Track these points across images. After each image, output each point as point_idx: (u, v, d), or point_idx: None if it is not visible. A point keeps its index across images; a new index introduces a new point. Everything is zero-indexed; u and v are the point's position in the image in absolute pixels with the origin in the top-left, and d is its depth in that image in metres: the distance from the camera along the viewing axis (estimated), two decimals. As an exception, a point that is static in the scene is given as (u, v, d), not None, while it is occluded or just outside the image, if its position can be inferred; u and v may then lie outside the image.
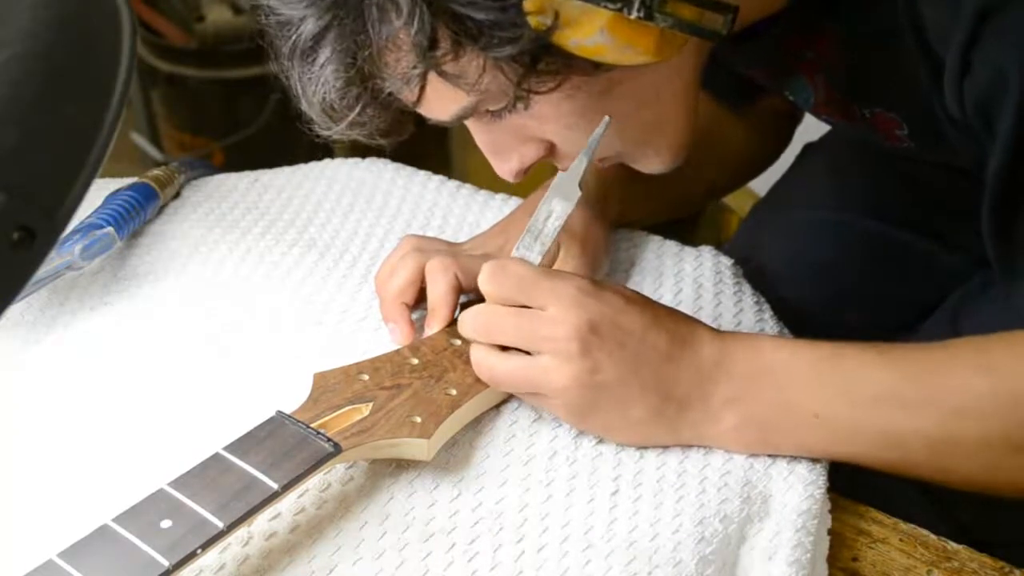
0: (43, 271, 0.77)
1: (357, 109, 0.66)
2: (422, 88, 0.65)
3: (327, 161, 0.99)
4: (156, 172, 0.91)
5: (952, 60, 0.65)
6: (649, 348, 0.66)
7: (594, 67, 0.64)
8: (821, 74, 0.80)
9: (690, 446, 0.69)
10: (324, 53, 0.64)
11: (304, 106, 0.68)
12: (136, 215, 0.86)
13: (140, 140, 2.01)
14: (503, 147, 0.72)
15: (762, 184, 1.15)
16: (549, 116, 0.69)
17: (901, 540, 0.68)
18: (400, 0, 0.60)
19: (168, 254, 0.86)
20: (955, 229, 1.01)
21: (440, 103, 0.67)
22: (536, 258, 0.71)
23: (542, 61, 0.63)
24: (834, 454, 0.68)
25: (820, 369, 0.67)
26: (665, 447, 0.69)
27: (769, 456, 0.68)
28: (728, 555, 0.64)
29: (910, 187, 1.03)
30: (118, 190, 0.87)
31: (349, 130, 0.68)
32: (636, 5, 0.61)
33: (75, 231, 0.81)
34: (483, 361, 0.68)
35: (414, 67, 0.63)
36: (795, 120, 1.05)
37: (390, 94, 0.66)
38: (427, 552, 0.62)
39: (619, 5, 0.61)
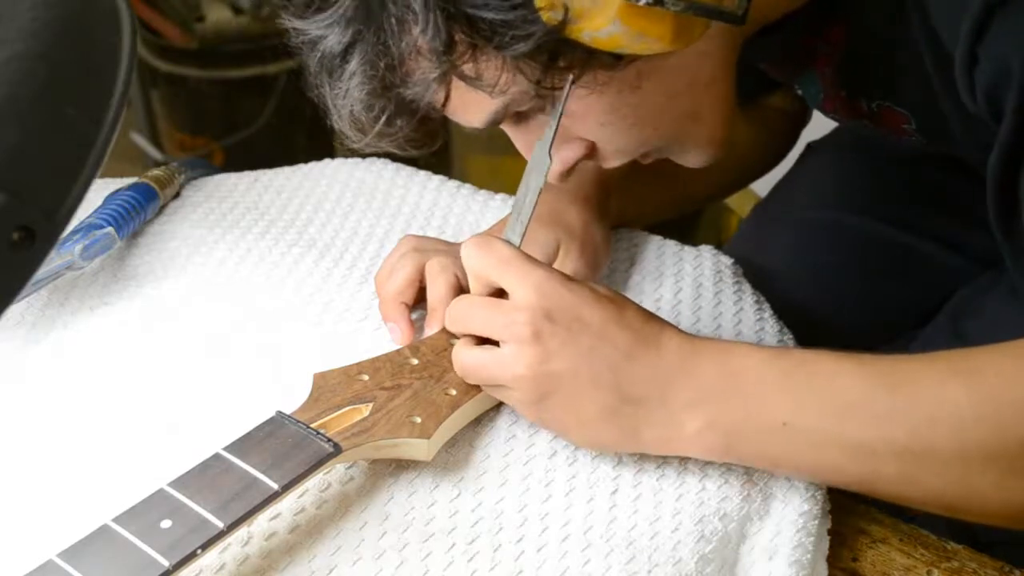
0: (43, 271, 0.77)
1: (383, 120, 0.67)
2: (446, 94, 0.66)
3: (327, 161, 0.99)
4: (156, 172, 0.91)
5: (961, 54, 0.65)
6: (608, 343, 0.65)
7: (614, 59, 0.64)
8: (832, 68, 0.80)
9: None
10: (349, 68, 0.65)
11: (336, 121, 0.69)
12: (136, 215, 0.86)
13: (140, 140, 2.01)
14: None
15: (762, 184, 1.15)
16: (581, 114, 0.69)
17: (901, 540, 0.68)
18: (416, 8, 0.61)
19: (168, 254, 0.86)
20: (957, 231, 1.01)
21: (468, 109, 0.68)
22: (517, 238, 0.70)
23: (560, 57, 0.63)
24: (800, 466, 0.65)
25: (790, 376, 0.64)
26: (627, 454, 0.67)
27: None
28: (728, 554, 0.64)
29: (912, 189, 1.03)
30: (118, 190, 0.87)
31: (378, 141, 0.69)
32: None
33: (75, 231, 0.81)
34: (456, 354, 0.69)
35: (431, 72, 0.64)
36: (801, 122, 1.05)
37: (414, 103, 0.66)
38: (427, 552, 0.62)
39: None
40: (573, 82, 0.66)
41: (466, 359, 0.68)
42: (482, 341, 0.68)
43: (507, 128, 0.72)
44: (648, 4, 0.60)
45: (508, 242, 0.69)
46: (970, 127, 0.71)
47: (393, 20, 0.62)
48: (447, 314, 0.70)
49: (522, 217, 0.71)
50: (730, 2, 0.63)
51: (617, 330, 0.65)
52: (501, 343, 0.66)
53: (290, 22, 0.67)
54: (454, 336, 0.73)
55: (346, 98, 0.67)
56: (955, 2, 0.65)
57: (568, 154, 0.72)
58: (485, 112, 0.68)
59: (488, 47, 0.62)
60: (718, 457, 0.66)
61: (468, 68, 0.64)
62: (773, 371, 0.64)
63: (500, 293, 0.68)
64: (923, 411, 0.61)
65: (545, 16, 0.60)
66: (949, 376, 0.62)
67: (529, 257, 0.67)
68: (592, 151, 0.72)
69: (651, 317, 0.67)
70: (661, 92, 0.69)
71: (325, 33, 0.65)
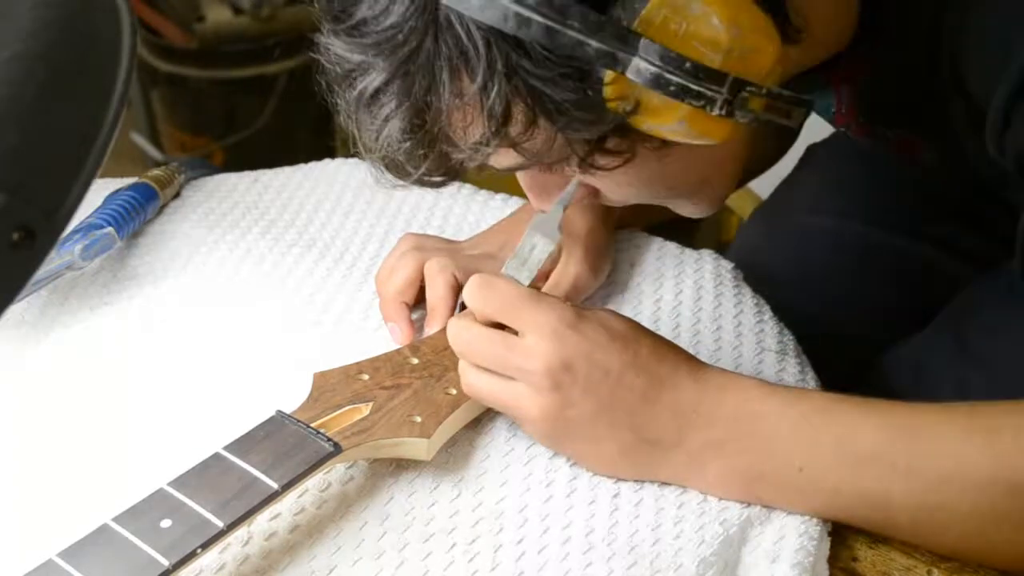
0: (43, 271, 0.77)
1: (423, 168, 0.62)
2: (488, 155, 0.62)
3: (327, 161, 0.99)
4: (156, 172, 0.91)
5: (994, 115, 0.65)
6: (625, 389, 0.65)
7: (662, 143, 0.62)
8: (849, 89, 0.80)
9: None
10: (389, 106, 0.60)
11: (362, 151, 0.64)
12: (136, 215, 0.86)
13: (140, 140, 2.01)
14: (546, 188, 0.71)
15: (763, 185, 1.15)
16: (600, 172, 0.66)
17: (901, 540, 0.67)
18: (475, 65, 0.57)
19: (168, 254, 0.86)
20: (957, 233, 1.01)
21: (498, 159, 0.64)
22: (524, 283, 0.70)
23: (611, 139, 0.61)
24: (817, 509, 0.66)
25: (809, 422, 0.65)
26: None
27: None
28: (730, 556, 0.64)
29: (912, 190, 1.03)
30: (118, 190, 0.87)
31: (412, 185, 0.65)
32: (719, 103, 0.58)
33: (75, 231, 0.81)
34: (464, 375, 0.68)
35: (486, 141, 0.60)
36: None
37: (454, 159, 0.62)
38: (427, 552, 0.62)
39: (703, 103, 0.58)
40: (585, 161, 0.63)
41: (478, 385, 0.67)
42: None
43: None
44: (720, 115, 0.59)
45: (513, 280, 0.69)
46: (993, 164, 0.71)
47: (445, 69, 0.57)
48: (451, 336, 0.68)
49: (529, 266, 0.71)
50: (791, 113, 0.63)
51: (634, 376, 0.65)
52: (512, 379, 0.66)
53: (325, 39, 0.60)
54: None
55: (381, 138, 0.61)
56: (992, 63, 0.65)
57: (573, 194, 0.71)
58: (514, 162, 0.64)
59: (547, 124, 0.59)
60: (739, 499, 0.66)
61: (519, 139, 0.60)
62: (790, 416, 0.65)
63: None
64: (940, 468, 0.62)
65: (612, 105, 0.58)
66: (968, 435, 0.62)
67: (538, 295, 0.67)
68: (596, 194, 0.71)
69: (665, 354, 0.67)
70: (682, 164, 0.67)
71: (369, 63, 0.59)
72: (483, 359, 0.67)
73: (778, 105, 0.62)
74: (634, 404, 0.65)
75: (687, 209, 0.75)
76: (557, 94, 0.57)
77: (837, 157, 1.08)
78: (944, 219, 1.02)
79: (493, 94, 0.57)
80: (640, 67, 0.57)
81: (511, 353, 0.65)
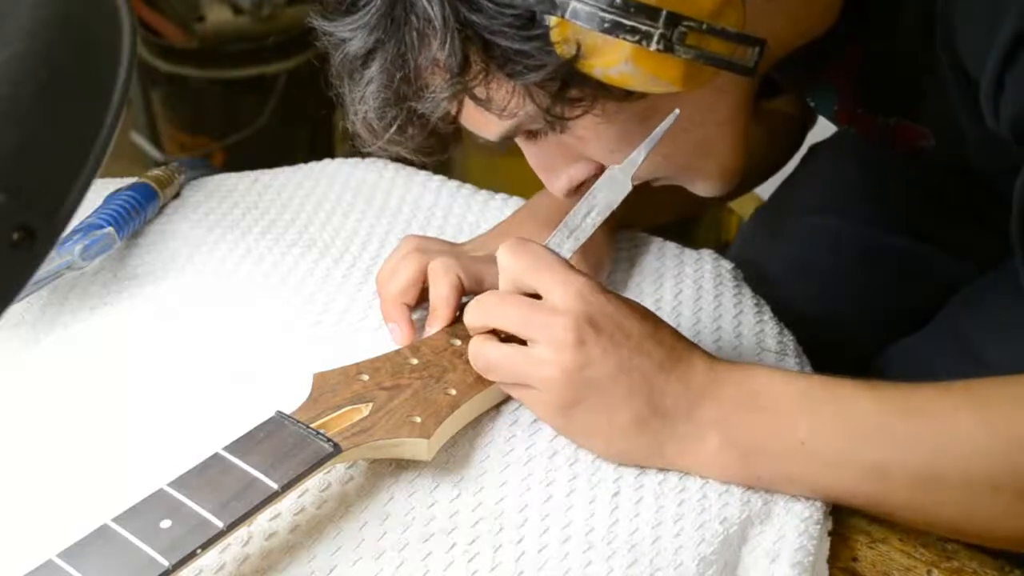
0: (43, 271, 0.77)
1: (394, 128, 0.68)
2: (457, 111, 0.67)
3: (327, 161, 0.99)
4: (156, 172, 0.91)
5: (988, 81, 0.66)
6: (644, 355, 0.66)
7: (625, 94, 0.65)
8: (848, 82, 0.80)
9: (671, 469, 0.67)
10: (368, 73, 0.66)
11: (350, 121, 0.70)
12: (136, 215, 0.86)
13: (140, 140, 2.00)
14: (551, 165, 0.73)
15: (763, 184, 1.14)
16: (591, 139, 0.69)
17: (901, 540, 0.68)
18: (436, 24, 0.62)
19: (168, 254, 0.86)
20: (959, 233, 1.01)
21: (481, 125, 0.69)
22: (567, 254, 0.70)
23: (570, 88, 0.64)
24: (816, 486, 0.66)
25: (809, 397, 0.66)
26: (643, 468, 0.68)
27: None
28: (730, 555, 0.64)
29: (912, 190, 1.03)
30: (118, 190, 0.87)
31: (389, 147, 0.70)
32: (655, 38, 0.61)
33: (75, 231, 0.81)
34: (478, 348, 0.68)
35: (443, 90, 0.65)
36: (806, 125, 1.05)
37: (424, 116, 0.67)
38: (427, 552, 0.62)
39: (638, 38, 0.61)
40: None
41: (490, 353, 0.68)
42: (502, 340, 0.68)
43: (520, 143, 0.73)
44: (658, 50, 0.61)
45: (548, 248, 0.69)
46: (991, 145, 0.71)
47: (414, 33, 0.63)
48: (471, 311, 0.69)
49: (577, 233, 0.71)
50: (742, 53, 0.64)
51: (653, 344, 0.66)
52: (531, 343, 0.66)
53: (317, 22, 0.68)
54: (455, 336, 0.73)
55: (361, 103, 0.67)
56: (983, 31, 0.66)
57: (576, 173, 0.73)
58: (498, 129, 0.69)
59: (500, 72, 0.63)
60: (735, 477, 0.66)
61: (479, 90, 0.65)
62: (792, 391, 0.66)
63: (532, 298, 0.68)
64: (935, 440, 0.63)
65: (559, 49, 0.61)
66: (962, 408, 0.63)
67: (571, 264, 0.68)
68: (600, 172, 0.73)
69: (681, 336, 0.69)
70: (672, 126, 0.69)
71: (350, 35, 0.66)
72: (505, 318, 0.67)
73: (723, 43, 0.63)
74: (651, 371, 0.65)
75: (698, 184, 0.76)
76: (505, 42, 0.62)
77: (837, 157, 1.08)
78: (944, 219, 1.02)
79: (448, 46, 0.62)
80: (577, 8, 0.61)
81: (536, 310, 0.66)
